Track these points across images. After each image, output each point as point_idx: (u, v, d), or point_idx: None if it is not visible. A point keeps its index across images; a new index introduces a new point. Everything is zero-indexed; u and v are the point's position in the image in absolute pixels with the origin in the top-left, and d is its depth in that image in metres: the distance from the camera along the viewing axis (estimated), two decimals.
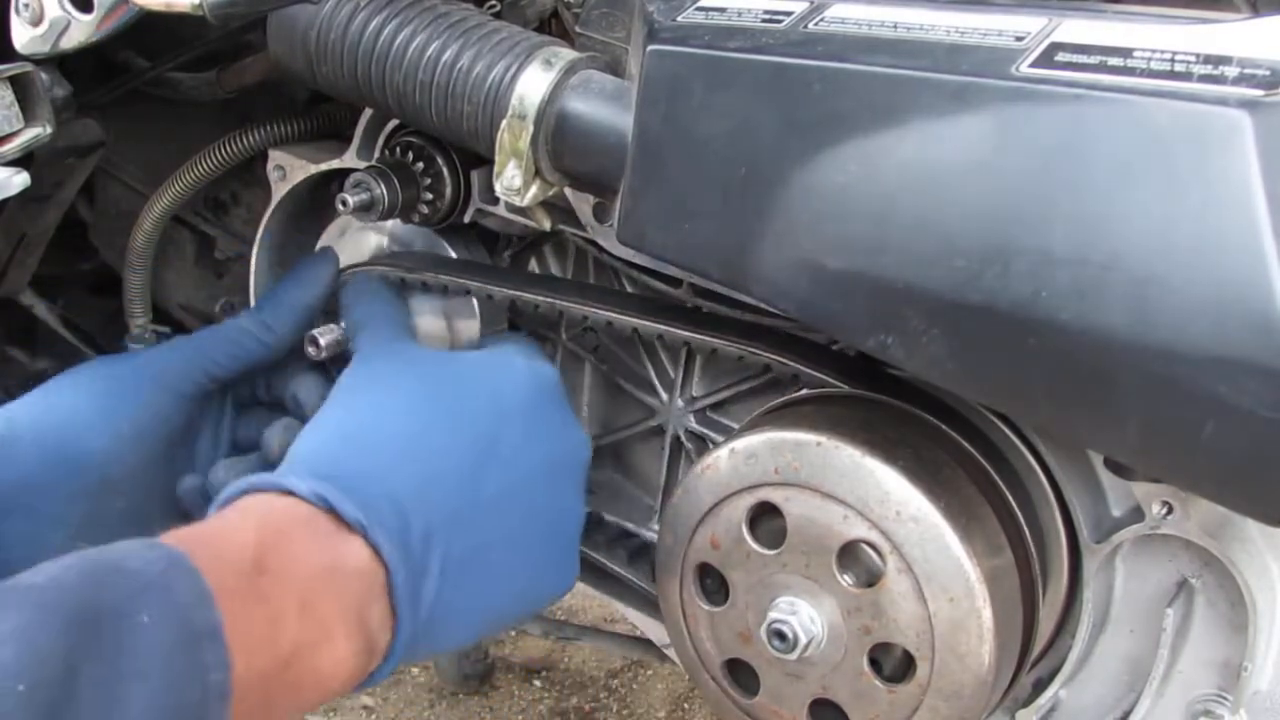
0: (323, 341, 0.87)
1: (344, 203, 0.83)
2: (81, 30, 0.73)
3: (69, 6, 0.73)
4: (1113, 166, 0.54)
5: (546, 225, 0.82)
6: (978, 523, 0.69)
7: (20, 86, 0.75)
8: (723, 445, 0.73)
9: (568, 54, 0.74)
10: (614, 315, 0.80)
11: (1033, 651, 0.74)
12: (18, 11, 0.74)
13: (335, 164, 0.91)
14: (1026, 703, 0.78)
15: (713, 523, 0.74)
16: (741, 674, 0.76)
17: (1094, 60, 0.56)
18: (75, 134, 0.86)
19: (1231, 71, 0.53)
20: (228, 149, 0.93)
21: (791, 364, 0.76)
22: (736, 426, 0.84)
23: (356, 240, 0.94)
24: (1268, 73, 0.52)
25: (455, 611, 0.68)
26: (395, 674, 1.07)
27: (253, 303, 0.98)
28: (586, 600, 1.89)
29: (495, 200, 0.85)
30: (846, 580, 0.70)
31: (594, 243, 0.81)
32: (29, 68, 0.75)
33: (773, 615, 0.71)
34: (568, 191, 0.79)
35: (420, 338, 0.90)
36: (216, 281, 1.10)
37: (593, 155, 0.72)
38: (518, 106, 0.73)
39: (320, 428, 0.71)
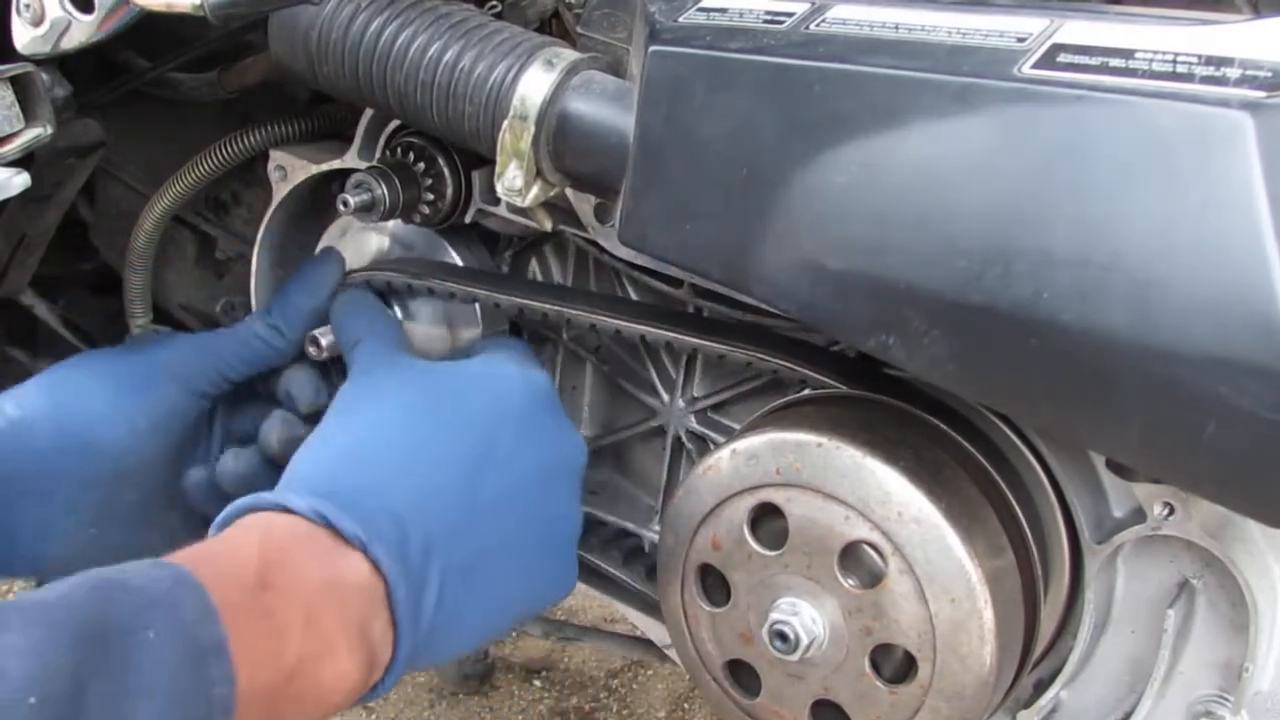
0: (324, 342, 0.88)
1: (345, 203, 0.83)
2: (82, 30, 0.73)
3: (70, 7, 0.73)
4: (1114, 168, 0.54)
5: (548, 226, 0.82)
6: (979, 524, 0.69)
7: (21, 87, 0.75)
8: (724, 446, 0.73)
9: (569, 55, 0.74)
10: (622, 324, 0.80)
11: (1034, 652, 0.74)
12: (19, 12, 0.74)
13: (336, 164, 0.91)
14: (1028, 703, 0.78)
15: (714, 523, 0.74)
16: (743, 675, 0.76)
17: (1096, 61, 0.56)
18: (76, 134, 0.86)
19: (1233, 73, 0.53)
20: (228, 149, 0.93)
21: (799, 369, 0.76)
22: (737, 427, 0.84)
23: (357, 241, 0.94)
24: (1269, 74, 0.52)
25: (455, 621, 0.68)
26: None
27: (254, 303, 0.98)
28: (586, 600, 1.89)
29: (496, 201, 0.85)
30: (848, 581, 0.69)
31: (595, 243, 0.81)
32: (30, 68, 0.75)
33: (774, 616, 0.71)
34: (569, 192, 0.79)
35: (421, 340, 0.90)
36: (217, 281, 1.10)
37: (594, 156, 0.72)
38: (519, 107, 0.73)
39: (318, 444, 0.72)
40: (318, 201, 0.97)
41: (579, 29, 0.78)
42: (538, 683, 1.85)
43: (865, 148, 0.60)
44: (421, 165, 0.85)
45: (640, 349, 0.89)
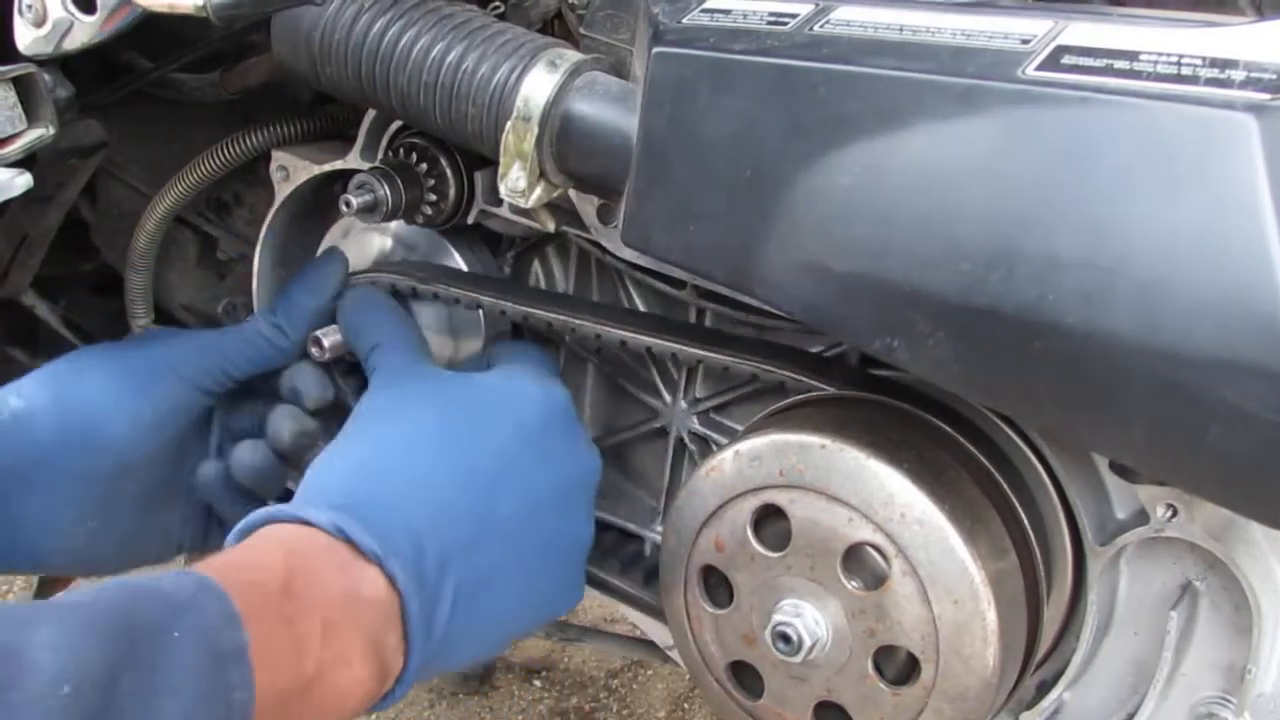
0: (326, 343, 0.88)
1: (347, 204, 0.83)
2: (85, 31, 0.73)
3: (72, 7, 0.72)
4: (1118, 170, 0.54)
5: (551, 227, 0.82)
6: (982, 525, 0.69)
7: (23, 87, 0.75)
8: (727, 447, 0.73)
9: (573, 56, 0.74)
10: (628, 334, 0.80)
11: (1037, 654, 0.74)
12: (21, 12, 0.74)
13: (339, 165, 0.91)
14: (1031, 705, 0.78)
15: (717, 525, 0.74)
16: (746, 676, 0.76)
17: (1100, 63, 0.56)
18: (78, 135, 0.86)
19: (1237, 75, 0.53)
20: (231, 150, 0.93)
21: (805, 379, 0.76)
22: (740, 428, 0.84)
23: (360, 241, 0.94)
24: (1274, 76, 0.52)
25: (466, 635, 0.69)
26: None
27: (255, 303, 0.98)
28: (587, 600, 1.88)
29: (499, 202, 0.85)
30: (851, 583, 0.69)
31: (598, 244, 0.81)
32: (32, 69, 0.74)
33: (777, 618, 0.71)
34: (572, 193, 0.78)
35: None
36: (219, 282, 1.10)
37: (597, 157, 0.72)
38: (522, 108, 0.73)
39: (337, 456, 0.73)
40: (320, 202, 0.96)
41: (582, 30, 0.78)
42: (538, 683, 1.85)
43: (869, 149, 0.60)
44: (424, 166, 0.85)
45: (643, 352, 0.89)
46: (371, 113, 0.88)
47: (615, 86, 0.73)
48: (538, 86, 0.73)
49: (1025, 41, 0.58)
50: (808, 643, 0.70)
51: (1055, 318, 0.55)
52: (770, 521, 0.72)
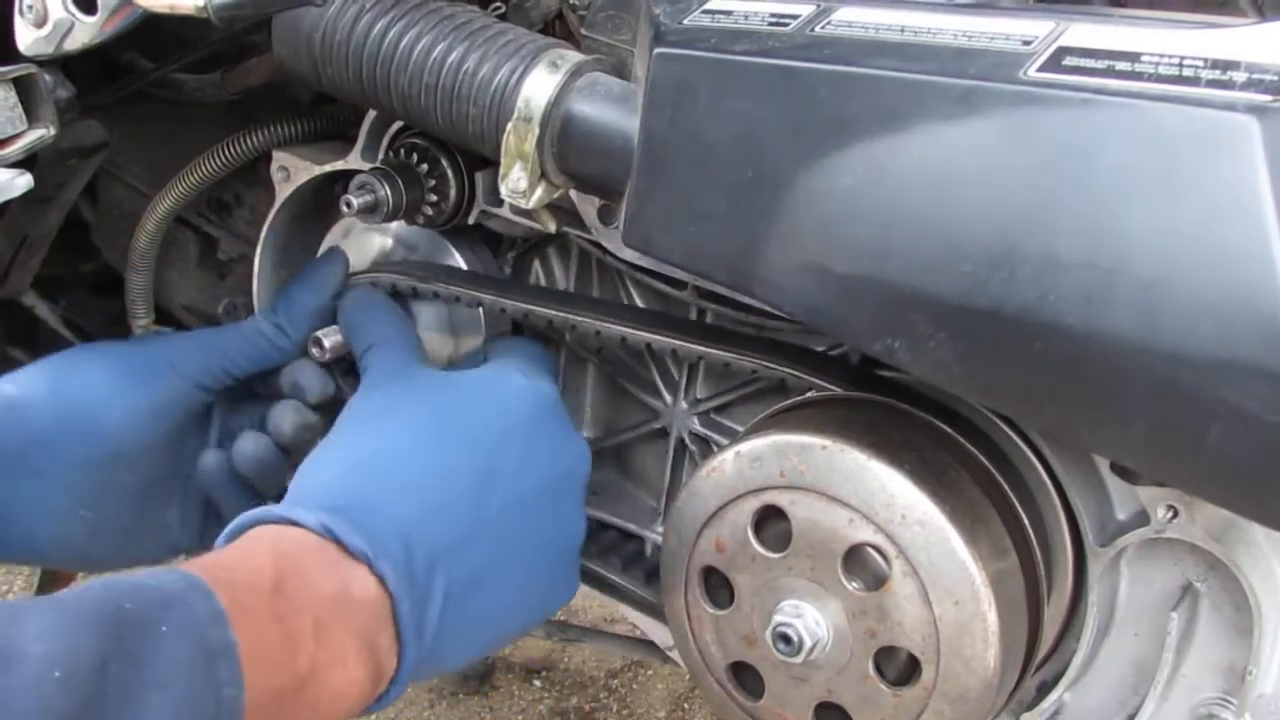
0: (327, 344, 0.88)
1: (348, 204, 0.83)
2: (85, 32, 0.73)
3: (73, 8, 0.72)
4: (1120, 171, 0.54)
5: (551, 227, 0.82)
6: (983, 526, 0.69)
7: (24, 88, 0.75)
8: (728, 448, 0.73)
9: (574, 56, 0.74)
10: (628, 331, 0.80)
11: (1037, 655, 0.74)
12: (21, 13, 0.74)
13: (339, 165, 0.91)
14: (1031, 706, 0.78)
15: (718, 526, 0.74)
16: (746, 677, 0.76)
17: (1101, 65, 0.56)
18: (78, 135, 0.86)
19: (1239, 76, 0.53)
20: (231, 150, 0.93)
21: (807, 377, 0.76)
22: (741, 429, 0.84)
23: (360, 241, 0.94)
24: (1275, 78, 0.52)
25: (459, 633, 0.69)
26: None
27: (256, 304, 0.98)
28: (587, 600, 1.89)
29: (500, 202, 0.85)
30: (852, 584, 0.69)
31: (599, 245, 0.81)
32: (33, 69, 0.75)
33: (778, 618, 0.71)
34: (573, 194, 0.79)
35: (424, 342, 0.90)
36: (219, 282, 1.10)
37: (598, 158, 0.72)
38: (523, 109, 0.73)
39: (327, 458, 0.73)
40: (320, 203, 0.96)
41: (583, 31, 0.78)
42: (538, 683, 1.85)
43: (870, 150, 0.60)
44: (425, 166, 0.85)
45: (644, 352, 0.89)
46: (372, 113, 0.88)
47: (616, 87, 0.73)
48: (539, 87, 0.73)
49: (1026, 43, 0.58)
50: (808, 643, 0.70)
51: (1056, 319, 0.55)
52: (771, 522, 0.72)
